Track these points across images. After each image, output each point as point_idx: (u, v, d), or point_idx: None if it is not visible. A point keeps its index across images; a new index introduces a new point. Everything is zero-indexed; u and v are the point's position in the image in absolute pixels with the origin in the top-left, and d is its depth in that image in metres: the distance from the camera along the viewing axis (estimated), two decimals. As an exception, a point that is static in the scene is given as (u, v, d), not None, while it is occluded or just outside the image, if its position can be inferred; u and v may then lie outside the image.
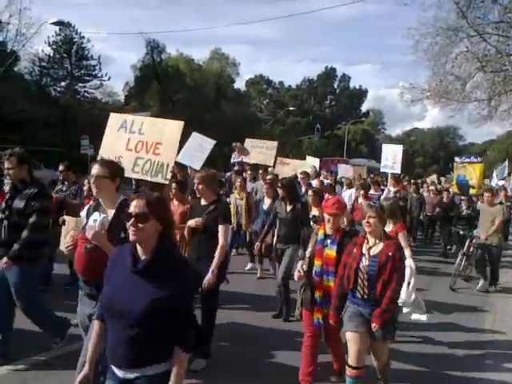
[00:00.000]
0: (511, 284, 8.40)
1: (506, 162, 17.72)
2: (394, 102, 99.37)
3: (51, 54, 34.76)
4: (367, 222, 3.47)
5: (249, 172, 9.73)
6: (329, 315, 3.73)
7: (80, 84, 36.40)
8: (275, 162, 10.85)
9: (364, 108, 66.26)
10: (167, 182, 4.70)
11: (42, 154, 20.54)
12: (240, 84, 51.71)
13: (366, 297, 3.46)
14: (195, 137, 10.02)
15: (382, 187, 10.92)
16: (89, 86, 36.82)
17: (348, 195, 10.03)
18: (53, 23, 21.38)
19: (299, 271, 3.96)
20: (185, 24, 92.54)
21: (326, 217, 3.86)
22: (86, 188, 6.14)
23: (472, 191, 11.42)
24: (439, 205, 11.63)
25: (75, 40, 35.53)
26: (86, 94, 36.69)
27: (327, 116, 61.34)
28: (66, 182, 6.64)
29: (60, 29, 32.01)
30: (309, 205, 6.63)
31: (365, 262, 3.46)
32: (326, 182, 11.20)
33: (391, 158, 10.66)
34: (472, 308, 6.90)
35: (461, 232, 9.08)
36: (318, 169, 12.74)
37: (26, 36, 28.23)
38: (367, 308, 3.49)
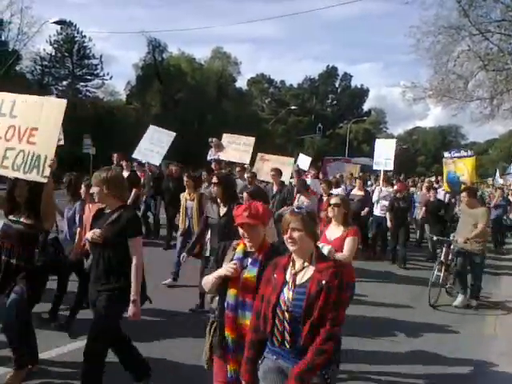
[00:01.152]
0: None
1: (512, 162, 17.75)
2: (395, 100, 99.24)
3: (53, 53, 34.91)
4: (289, 238, 2.40)
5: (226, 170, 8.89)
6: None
7: (82, 83, 36.55)
8: (253, 159, 9.78)
9: (366, 107, 66.46)
10: (45, 181, 3.63)
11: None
12: (241, 83, 51.89)
13: (287, 345, 2.36)
14: (152, 130, 9.71)
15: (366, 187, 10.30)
16: (90, 85, 37.03)
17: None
18: (54, 22, 21.47)
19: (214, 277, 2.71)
20: (186, 23, 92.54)
21: (240, 230, 2.71)
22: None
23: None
24: (426, 206, 10.35)
25: (77, 39, 35.65)
26: (87, 93, 36.82)
27: (329, 115, 61.35)
28: None
29: (61, 28, 32.12)
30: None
31: (287, 294, 2.37)
32: (309, 180, 10.13)
33: (384, 153, 10.18)
34: (458, 332, 5.62)
35: (434, 238, 8.07)
36: (302, 167, 12.20)
37: (27, 35, 28.47)
38: (289, 361, 2.38)
